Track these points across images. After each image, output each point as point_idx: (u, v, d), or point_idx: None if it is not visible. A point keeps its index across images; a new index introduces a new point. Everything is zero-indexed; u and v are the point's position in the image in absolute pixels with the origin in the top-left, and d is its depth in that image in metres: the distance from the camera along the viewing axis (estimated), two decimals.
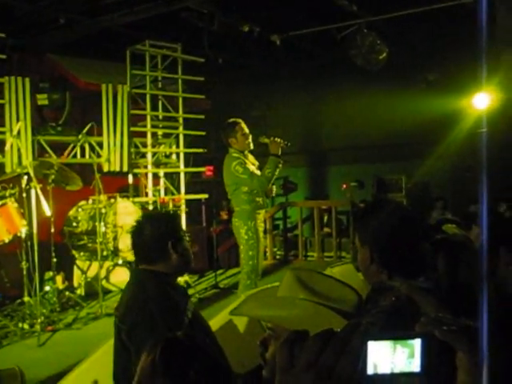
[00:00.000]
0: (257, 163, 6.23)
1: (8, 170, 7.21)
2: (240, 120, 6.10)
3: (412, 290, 1.96)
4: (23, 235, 6.43)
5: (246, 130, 6.05)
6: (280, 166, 5.91)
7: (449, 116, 9.75)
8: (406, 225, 2.21)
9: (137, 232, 2.91)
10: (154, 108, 9.02)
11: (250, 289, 5.78)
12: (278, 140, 5.93)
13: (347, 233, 10.25)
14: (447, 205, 10.26)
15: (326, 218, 11.28)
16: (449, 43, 9.33)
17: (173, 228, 2.95)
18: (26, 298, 6.55)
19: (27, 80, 7.54)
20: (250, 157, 6.20)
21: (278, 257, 10.78)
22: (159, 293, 2.75)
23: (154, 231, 2.85)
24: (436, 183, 11.23)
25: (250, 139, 6.07)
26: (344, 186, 10.98)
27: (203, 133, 9.42)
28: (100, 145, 8.27)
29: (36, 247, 6.31)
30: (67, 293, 7.36)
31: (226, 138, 6.05)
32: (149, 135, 8.89)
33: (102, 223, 7.44)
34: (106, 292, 7.44)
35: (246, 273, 5.96)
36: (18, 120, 7.29)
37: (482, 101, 9.25)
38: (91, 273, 7.94)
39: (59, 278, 7.57)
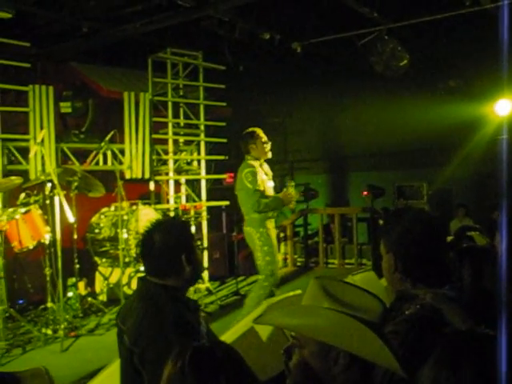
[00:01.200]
0: (271, 173, 6.28)
1: (32, 177, 7.30)
2: (258, 129, 6.16)
3: (437, 298, 1.96)
4: (47, 242, 6.51)
5: (265, 138, 6.12)
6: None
7: (470, 122, 9.70)
8: (431, 232, 2.20)
9: (146, 243, 2.73)
10: (176, 115, 9.08)
11: (265, 290, 5.88)
12: (292, 195, 6.10)
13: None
14: (469, 212, 10.18)
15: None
16: (470, 49, 9.27)
17: (185, 238, 2.78)
18: (50, 304, 6.61)
19: (51, 88, 7.64)
20: (266, 166, 6.24)
21: (298, 264, 10.76)
22: (174, 315, 2.57)
23: (166, 243, 2.67)
24: (457, 190, 11.16)
25: (269, 147, 6.13)
26: (365, 192, 10.96)
27: (224, 140, 9.46)
28: (122, 152, 8.35)
29: (59, 253, 6.38)
30: (89, 299, 7.43)
31: (246, 145, 6.13)
32: (170, 142, 8.95)
33: (124, 230, 7.50)
34: (128, 298, 7.49)
35: (265, 274, 5.99)
36: (41, 128, 7.38)
37: (503, 107, 9.23)
38: (113, 279, 7.99)
39: (82, 284, 7.64)
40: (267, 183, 6.12)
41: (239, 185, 6.09)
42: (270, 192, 6.13)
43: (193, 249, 2.77)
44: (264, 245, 5.97)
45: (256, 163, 6.06)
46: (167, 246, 2.67)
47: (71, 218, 6.51)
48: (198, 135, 9.31)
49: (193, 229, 8.33)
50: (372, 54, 8.57)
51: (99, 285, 8.15)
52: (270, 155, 6.17)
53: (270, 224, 6.10)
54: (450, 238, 2.91)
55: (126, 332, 2.63)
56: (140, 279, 2.81)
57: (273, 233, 6.11)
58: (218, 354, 1.39)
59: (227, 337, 3.47)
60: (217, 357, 1.39)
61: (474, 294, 2.26)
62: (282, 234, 10.59)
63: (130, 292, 7.65)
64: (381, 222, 10.16)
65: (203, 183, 9.31)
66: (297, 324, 1.52)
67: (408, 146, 11.00)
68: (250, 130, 6.20)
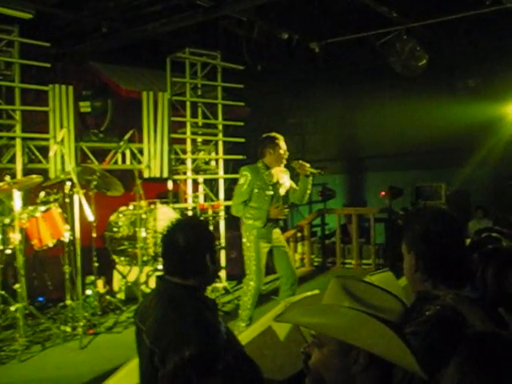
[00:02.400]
0: (283, 181, 6.19)
1: (52, 175, 7.37)
2: (281, 137, 6.09)
3: (458, 300, 1.96)
4: (66, 240, 6.57)
5: (285, 149, 6.06)
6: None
7: (490, 122, 9.64)
8: (451, 230, 2.19)
9: (169, 242, 2.73)
10: (194, 115, 9.11)
11: (251, 295, 6.00)
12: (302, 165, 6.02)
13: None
14: (487, 213, 10.11)
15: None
16: (490, 49, 9.22)
17: (209, 238, 2.79)
18: (69, 302, 6.67)
19: (70, 88, 7.70)
20: (280, 173, 6.16)
21: (315, 264, 10.75)
22: (195, 315, 2.57)
23: (191, 243, 2.67)
24: (476, 191, 11.08)
25: (285, 157, 6.10)
26: (382, 193, 10.92)
27: (242, 139, 9.48)
28: (141, 151, 8.41)
29: (78, 252, 6.43)
30: (108, 297, 7.48)
31: (263, 148, 6.07)
32: (188, 142, 8.99)
33: (143, 229, 7.53)
34: (146, 297, 7.51)
35: (249, 279, 6.11)
36: (61, 127, 7.43)
37: None
38: (131, 277, 8.04)
39: (100, 282, 7.69)
40: (274, 189, 6.08)
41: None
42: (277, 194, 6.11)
43: (215, 249, 2.79)
44: (247, 250, 6.10)
45: (263, 169, 6.04)
46: (192, 245, 2.66)
47: (90, 216, 6.55)
48: (215, 135, 9.34)
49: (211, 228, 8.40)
50: (391, 53, 8.54)
51: (117, 283, 8.21)
52: (282, 165, 6.13)
53: (263, 244, 6.09)
54: (474, 239, 2.88)
55: (146, 331, 2.62)
56: (159, 278, 2.80)
57: (263, 251, 6.09)
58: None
59: (245, 336, 3.49)
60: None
61: (498, 296, 2.24)
62: (299, 234, 10.59)
63: (147, 290, 7.69)
64: (400, 222, 10.14)
65: (221, 182, 9.34)
66: (317, 322, 1.52)
67: (426, 146, 10.94)
68: (273, 134, 6.11)
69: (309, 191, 6.19)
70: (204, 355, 1.39)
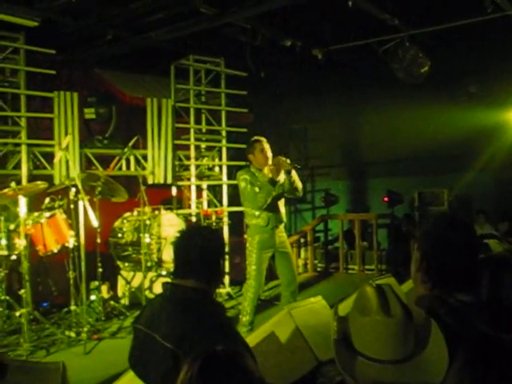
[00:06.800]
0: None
1: (57, 182, 7.41)
2: (262, 138, 6.21)
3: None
4: (71, 246, 6.61)
5: (265, 147, 6.13)
6: (273, 193, 6.03)
7: (491, 128, 9.67)
8: (462, 239, 2.17)
9: (188, 245, 2.75)
10: (198, 121, 9.16)
11: (250, 300, 6.11)
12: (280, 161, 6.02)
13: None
14: (489, 218, 10.13)
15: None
16: (491, 55, 9.25)
17: (223, 245, 2.90)
18: (73, 307, 6.71)
19: (75, 95, 7.75)
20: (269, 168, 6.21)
21: (318, 269, 10.78)
22: (215, 317, 2.63)
23: (211, 247, 2.76)
24: (478, 196, 11.10)
25: (269, 156, 6.14)
26: (385, 198, 10.95)
27: (245, 146, 9.52)
28: (145, 157, 8.45)
29: (83, 257, 6.49)
30: (112, 302, 7.51)
31: (246, 154, 6.28)
32: (192, 148, 9.03)
33: (147, 234, 7.58)
34: (150, 303, 7.55)
35: (248, 284, 6.21)
36: (66, 133, 7.48)
37: None
38: (135, 283, 8.09)
39: (104, 288, 7.74)
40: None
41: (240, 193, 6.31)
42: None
43: (225, 255, 2.89)
44: (249, 254, 6.21)
45: (255, 171, 6.16)
46: (213, 249, 2.76)
47: (95, 222, 6.60)
48: (219, 141, 9.39)
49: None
50: (393, 60, 8.58)
51: (121, 288, 8.25)
52: (269, 163, 6.16)
53: (265, 249, 6.18)
54: None
55: (165, 337, 2.60)
56: (169, 284, 2.81)
57: (264, 256, 6.18)
58: (228, 364, 1.39)
59: (248, 342, 3.51)
60: (226, 366, 1.39)
61: (492, 302, 2.26)
62: (302, 240, 10.63)
63: (151, 296, 7.73)
64: (403, 228, 10.17)
65: (224, 188, 9.38)
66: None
67: (429, 152, 10.97)
68: (253, 138, 6.28)
69: (299, 183, 6.20)
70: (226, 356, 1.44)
